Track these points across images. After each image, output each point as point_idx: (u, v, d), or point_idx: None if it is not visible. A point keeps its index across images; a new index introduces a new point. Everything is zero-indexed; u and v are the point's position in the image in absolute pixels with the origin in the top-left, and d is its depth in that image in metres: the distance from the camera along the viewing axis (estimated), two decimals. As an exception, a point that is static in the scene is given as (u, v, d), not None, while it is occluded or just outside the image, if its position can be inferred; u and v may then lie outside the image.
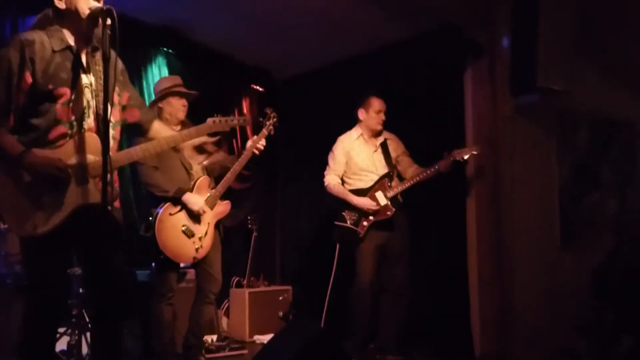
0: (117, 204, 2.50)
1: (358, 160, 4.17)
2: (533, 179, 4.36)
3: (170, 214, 3.55)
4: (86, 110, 2.41)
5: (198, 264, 3.70)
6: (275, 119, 3.86)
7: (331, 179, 4.22)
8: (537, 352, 4.10)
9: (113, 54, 2.28)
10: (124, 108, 2.60)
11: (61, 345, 3.68)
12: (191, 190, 3.62)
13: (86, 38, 2.45)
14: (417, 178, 4.05)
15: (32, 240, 2.33)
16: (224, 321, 5.20)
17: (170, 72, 5.10)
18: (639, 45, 4.69)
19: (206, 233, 3.65)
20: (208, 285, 3.75)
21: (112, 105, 2.23)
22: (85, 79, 2.43)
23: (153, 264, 3.79)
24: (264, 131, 3.80)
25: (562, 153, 4.62)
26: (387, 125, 4.26)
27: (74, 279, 3.67)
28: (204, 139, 2.71)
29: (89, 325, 3.44)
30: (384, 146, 4.20)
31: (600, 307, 4.33)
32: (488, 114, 4.25)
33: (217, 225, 3.77)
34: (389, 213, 4.05)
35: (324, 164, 4.29)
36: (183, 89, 3.74)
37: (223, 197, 3.78)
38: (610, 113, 5.02)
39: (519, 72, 4.09)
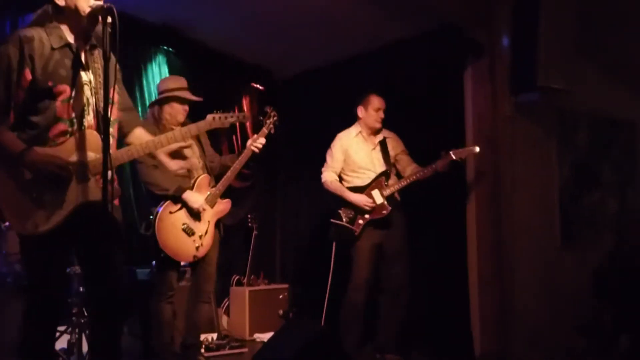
0: (116, 202, 2.50)
1: (356, 158, 4.17)
2: (533, 178, 4.36)
3: (171, 213, 3.55)
4: (86, 108, 2.41)
5: (196, 262, 3.70)
6: (275, 118, 3.86)
7: (328, 176, 4.21)
8: (537, 351, 4.10)
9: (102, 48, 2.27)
10: None
11: (61, 343, 3.69)
12: (191, 189, 3.62)
13: (85, 36, 2.44)
14: (414, 177, 4.04)
15: (32, 239, 2.32)
16: (224, 319, 5.20)
17: (171, 71, 5.11)
18: (639, 44, 4.69)
19: (206, 231, 3.65)
20: (204, 284, 3.76)
21: (111, 103, 2.22)
22: (85, 76, 2.43)
23: (153, 262, 3.79)
24: (264, 130, 3.81)
25: (562, 152, 4.62)
26: (388, 124, 4.25)
27: (74, 278, 3.68)
28: (177, 145, 2.68)
29: (89, 324, 3.44)
30: (382, 144, 4.19)
31: (601, 306, 4.33)
32: (488, 114, 4.25)
33: (217, 224, 3.77)
34: (384, 212, 4.03)
35: (324, 162, 4.29)
36: (187, 94, 3.71)
37: (223, 196, 3.78)
38: (611, 112, 5.02)
39: (520, 71, 4.09)
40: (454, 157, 3.91)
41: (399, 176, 4.20)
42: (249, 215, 5.40)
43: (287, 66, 5.72)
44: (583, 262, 4.47)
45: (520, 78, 4.09)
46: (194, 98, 3.72)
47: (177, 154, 2.69)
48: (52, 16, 2.42)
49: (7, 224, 3.48)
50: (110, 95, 2.21)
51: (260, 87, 5.85)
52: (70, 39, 2.42)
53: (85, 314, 3.61)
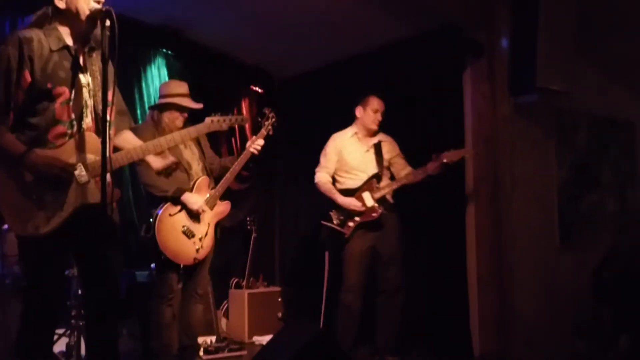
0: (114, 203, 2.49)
1: (349, 159, 4.16)
2: (532, 178, 4.36)
3: (170, 215, 3.54)
4: (84, 110, 2.41)
5: (195, 264, 3.69)
6: (274, 119, 3.86)
7: (321, 177, 4.20)
8: (536, 352, 4.11)
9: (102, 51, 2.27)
10: None
11: (60, 346, 3.69)
12: (191, 190, 3.61)
13: (84, 38, 2.44)
14: (405, 180, 4.03)
15: (31, 241, 2.32)
16: (223, 322, 5.20)
17: (170, 73, 5.11)
18: (639, 44, 4.69)
19: (206, 233, 3.64)
20: (198, 285, 3.76)
21: (110, 106, 2.22)
22: (83, 78, 2.43)
23: (153, 264, 3.79)
24: (263, 131, 3.82)
25: (561, 153, 4.62)
26: (387, 124, 4.25)
27: (72, 280, 3.67)
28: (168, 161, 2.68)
29: (86, 326, 3.44)
30: (377, 147, 4.17)
31: (600, 307, 4.33)
32: (487, 114, 4.24)
33: (215, 225, 3.76)
34: (374, 215, 4.01)
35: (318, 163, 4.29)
36: (187, 101, 3.69)
37: (223, 198, 3.78)
38: (610, 113, 5.03)
39: (519, 71, 4.09)
40: (445, 160, 3.88)
41: (394, 180, 4.18)
42: (248, 218, 5.39)
43: (287, 67, 5.72)
44: (582, 262, 4.47)
45: (519, 79, 4.09)
46: (193, 106, 3.71)
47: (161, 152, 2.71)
48: (52, 18, 2.42)
49: (5, 225, 3.47)
50: (109, 98, 2.21)
51: (260, 90, 5.85)
52: (69, 41, 2.42)
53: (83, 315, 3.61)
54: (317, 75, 5.54)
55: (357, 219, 4.02)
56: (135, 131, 2.84)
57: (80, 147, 2.37)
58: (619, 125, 5.19)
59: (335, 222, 4.06)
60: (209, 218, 3.68)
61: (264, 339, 4.77)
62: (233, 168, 3.75)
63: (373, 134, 4.20)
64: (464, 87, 4.35)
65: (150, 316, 3.63)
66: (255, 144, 3.75)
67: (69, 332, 3.67)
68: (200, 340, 4.13)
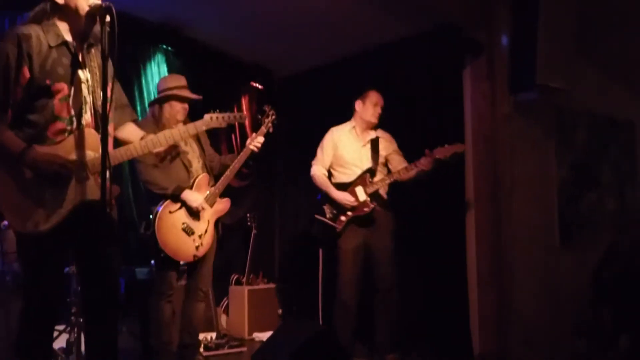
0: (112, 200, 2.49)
1: (344, 153, 4.16)
2: (532, 178, 4.36)
3: (170, 212, 3.55)
4: (83, 106, 2.40)
5: (195, 262, 3.70)
6: (273, 117, 3.87)
7: (316, 170, 4.21)
8: (536, 351, 4.11)
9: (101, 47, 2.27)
10: None
11: (60, 343, 3.69)
12: (190, 188, 3.62)
13: (83, 34, 2.43)
14: (397, 175, 4.02)
15: (31, 238, 2.32)
16: (223, 319, 5.20)
17: (170, 70, 5.10)
18: (639, 44, 4.69)
19: (206, 231, 3.64)
20: (201, 283, 3.75)
21: (110, 102, 2.22)
22: (82, 74, 2.42)
23: (153, 261, 3.79)
24: (263, 129, 3.82)
25: (561, 152, 4.62)
26: (387, 123, 4.25)
27: (72, 277, 3.68)
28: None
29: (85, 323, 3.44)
30: (374, 143, 4.16)
31: (600, 307, 4.33)
32: (487, 113, 4.25)
33: (216, 223, 3.77)
34: (366, 209, 4.01)
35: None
36: (186, 92, 3.71)
37: (222, 195, 3.78)
38: (610, 112, 5.03)
39: (519, 70, 4.09)
40: (437, 156, 3.87)
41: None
42: (248, 215, 5.40)
43: (287, 65, 5.72)
44: (582, 262, 4.47)
45: (519, 77, 4.10)
46: (193, 96, 3.72)
47: None
48: (50, 14, 2.41)
49: (5, 222, 3.47)
50: (108, 95, 2.20)
51: (260, 86, 5.85)
52: (68, 37, 2.41)
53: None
54: (317, 74, 5.54)
55: (349, 213, 4.02)
56: None
57: (80, 144, 2.37)
58: (619, 125, 5.19)
59: (328, 216, 4.06)
60: (209, 215, 3.68)
61: (264, 336, 4.78)
62: (233, 166, 3.76)
63: (372, 128, 4.20)
64: (463, 86, 4.36)
65: (149, 313, 3.63)
66: (255, 142, 3.76)
67: (69, 328, 3.67)
68: (201, 337, 4.13)
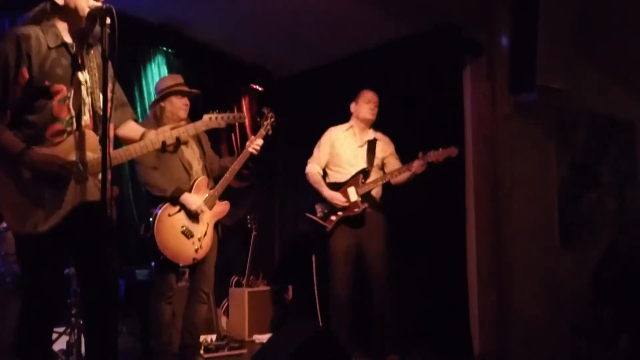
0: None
1: (340, 152, 4.15)
2: (532, 178, 4.36)
3: (169, 215, 3.54)
4: (82, 108, 2.39)
5: (195, 264, 3.70)
6: (272, 119, 3.87)
7: (311, 168, 4.21)
8: (535, 351, 4.11)
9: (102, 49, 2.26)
10: None
11: (60, 344, 3.69)
12: (190, 191, 3.61)
13: (82, 35, 2.43)
14: (389, 176, 4.01)
15: (30, 239, 2.31)
16: (223, 320, 5.20)
17: (170, 71, 5.10)
18: (639, 44, 4.70)
19: (205, 233, 3.64)
20: (202, 284, 3.75)
21: (109, 103, 2.22)
22: (81, 76, 2.41)
23: (152, 263, 3.79)
24: (262, 131, 3.83)
25: (561, 152, 4.62)
26: (387, 123, 4.25)
27: (72, 278, 3.67)
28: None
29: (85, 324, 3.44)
30: (371, 144, 4.16)
31: (600, 307, 4.33)
32: (487, 113, 4.25)
33: (216, 225, 3.76)
34: (356, 210, 4.00)
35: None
36: (185, 88, 3.73)
37: (222, 197, 3.78)
38: (610, 112, 5.03)
39: (519, 70, 4.09)
40: (430, 160, 3.86)
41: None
42: (248, 216, 5.39)
43: (287, 66, 5.72)
44: (582, 262, 4.47)
45: (519, 77, 4.10)
46: (192, 90, 3.73)
47: None
48: (50, 14, 2.40)
49: (4, 224, 3.47)
50: (109, 96, 2.20)
51: (260, 88, 5.85)
52: (67, 38, 2.40)
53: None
54: (317, 74, 5.54)
55: (339, 213, 4.03)
56: None
57: (79, 145, 2.36)
58: (618, 124, 5.19)
59: (318, 215, 4.07)
60: (208, 218, 3.67)
61: (264, 338, 4.78)
62: (232, 168, 3.76)
63: (370, 127, 4.19)
64: (463, 86, 4.36)
65: (150, 314, 3.63)
66: (255, 144, 3.76)
67: (69, 330, 3.67)
68: (201, 338, 4.13)
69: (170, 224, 3.53)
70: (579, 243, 4.65)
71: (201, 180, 3.68)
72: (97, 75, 2.44)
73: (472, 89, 4.32)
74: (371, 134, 4.20)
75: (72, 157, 2.35)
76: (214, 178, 3.83)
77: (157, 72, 5.09)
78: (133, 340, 4.08)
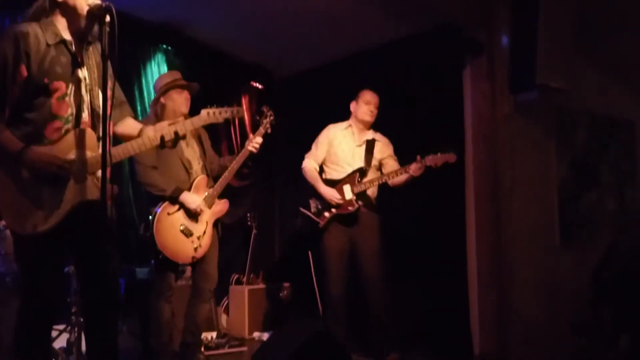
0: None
1: (338, 150, 4.15)
2: (532, 177, 4.36)
3: (169, 214, 3.54)
4: (81, 105, 2.39)
5: (195, 262, 3.70)
6: (272, 118, 3.87)
7: (308, 163, 4.20)
8: (535, 351, 4.11)
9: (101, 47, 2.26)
10: None
11: (61, 342, 3.69)
12: (189, 190, 3.61)
13: (81, 33, 2.42)
14: (386, 177, 4.01)
15: (29, 239, 2.31)
16: (224, 318, 5.21)
17: (170, 70, 5.08)
18: (639, 44, 4.69)
19: (204, 232, 3.64)
20: (204, 283, 3.75)
21: (109, 101, 2.21)
22: (80, 73, 2.41)
23: (152, 261, 3.79)
24: (261, 130, 3.84)
25: (561, 152, 4.62)
26: (387, 123, 4.25)
27: (72, 277, 3.68)
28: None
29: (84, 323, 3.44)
30: (369, 144, 4.15)
31: (600, 307, 4.33)
32: (487, 113, 4.25)
33: (216, 223, 3.77)
34: (350, 208, 4.00)
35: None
36: (183, 82, 3.73)
37: (221, 196, 3.78)
38: (610, 111, 5.03)
39: (519, 70, 4.09)
40: (428, 163, 3.85)
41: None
42: (248, 214, 5.40)
43: (287, 65, 5.72)
44: (582, 262, 4.47)
45: (519, 77, 4.10)
46: (191, 83, 3.74)
47: None
48: (48, 11, 2.40)
49: (4, 223, 3.47)
50: (109, 95, 2.20)
51: (260, 86, 5.85)
52: (66, 35, 2.40)
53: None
54: (317, 74, 5.54)
55: (333, 210, 4.03)
56: None
57: (77, 143, 2.35)
58: (618, 124, 5.19)
59: (312, 210, 4.07)
60: (207, 217, 3.68)
61: (265, 336, 4.79)
62: (231, 167, 3.76)
63: (368, 128, 4.19)
64: (463, 86, 4.35)
65: (149, 313, 3.64)
66: (254, 143, 3.76)
67: (69, 328, 3.67)
68: (201, 336, 4.14)
69: (169, 223, 3.53)
70: (579, 243, 4.65)
71: (200, 179, 3.68)
72: (96, 73, 2.44)
73: (472, 89, 4.32)
74: (370, 134, 4.20)
75: (71, 155, 2.35)
76: (214, 177, 3.83)
77: (157, 71, 5.08)
78: (133, 339, 4.09)
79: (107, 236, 2.35)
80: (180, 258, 3.58)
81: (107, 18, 2.19)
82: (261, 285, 5.28)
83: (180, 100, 3.66)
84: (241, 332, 5.00)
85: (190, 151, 3.73)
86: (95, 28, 2.38)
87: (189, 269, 4.18)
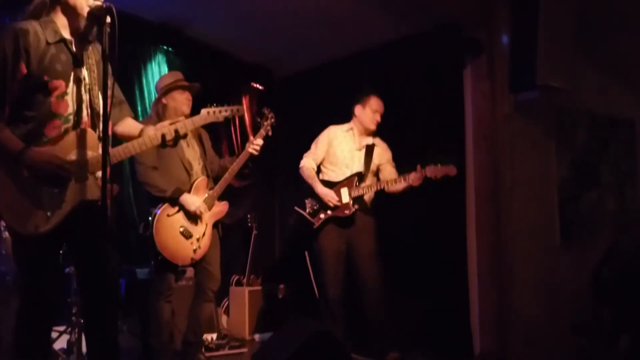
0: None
1: (337, 152, 4.15)
2: (532, 177, 4.36)
3: (168, 215, 3.54)
4: (81, 105, 2.39)
5: (197, 262, 3.70)
6: (272, 120, 3.88)
7: (306, 162, 4.20)
8: (536, 351, 4.11)
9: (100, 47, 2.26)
10: None
11: (61, 343, 3.70)
12: (189, 191, 3.61)
13: (81, 32, 2.42)
14: (384, 184, 4.01)
15: (30, 239, 2.30)
16: (224, 319, 5.21)
17: (170, 70, 5.08)
18: (639, 44, 4.69)
19: (204, 234, 3.64)
20: (207, 283, 3.75)
21: (109, 100, 2.21)
22: (80, 72, 2.40)
23: (152, 261, 3.80)
24: (262, 131, 3.84)
25: (561, 151, 4.62)
26: (387, 123, 4.24)
27: (73, 277, 3.68)
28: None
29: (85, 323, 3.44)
30: (369, 148, 4.15)
31: (600, 306, 4.33)
32: (487, 112, 4.24)
33: (216, 224, 3.77)
34: (346, 212, 4.01)
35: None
36: (185, 83, 3.74)
37: (221, 196, 3.78)
38: (610, 111, 5.02)
39: (519, 69, 4.09)
40: (427, 174, 3.85)
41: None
42: (248, 215, 5.40)
43: (287, 65, 5.72)
44: (582, 262, 4.47)
45: (519, 76, 4.09)
46: (193, 84, 3.75)
47: None
48: (49, 9, 2.40)
49: (4, 223, 3.47)
50: (109, 95, 2.20)
51: (260, 87, 5.85)
52: (66, 33, 2.40)
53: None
54: (317, 74, 5.53)
55: (329, 212, 4.03)
56: None
57: (77, 143, 2.35)
58: (619, 124, 5.19)
59: (307, 210, 4.07)
60: (207, 218, 3.68)
61: (265, 336, 4.79)
62: (232, 168, 3.77)
63: (369, 134, 4.19)
64: (464, 86, 4.35)
65: (149, 313, 3.64)
66: (254, 145, 3.76)
67: (69, 329, 3.67)
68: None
69: (169, 224, 3.53)
70: (579, 243, 4.65)
71: (200, 180, 3.68)
72: (95, 72, 2.44)
73: (472, 89, 4.31)
74: (370, 139, 4.20)
75: (72, 155, 2.35)
76: (214, 178, 3.83)
77: (157, 71, 5.09)
78: (133, 338, 4.09)
79: (107, 236, 2.35)
80: (180, 259, 3.58)
81: (108, 18, 2.19)
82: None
83: (181, 101, 3.66)
84: (241, 333, 5.00)
85: (191, 151, 3.72)
86: (95, 28, 2.38)
87: (190, 270, 4.18)
